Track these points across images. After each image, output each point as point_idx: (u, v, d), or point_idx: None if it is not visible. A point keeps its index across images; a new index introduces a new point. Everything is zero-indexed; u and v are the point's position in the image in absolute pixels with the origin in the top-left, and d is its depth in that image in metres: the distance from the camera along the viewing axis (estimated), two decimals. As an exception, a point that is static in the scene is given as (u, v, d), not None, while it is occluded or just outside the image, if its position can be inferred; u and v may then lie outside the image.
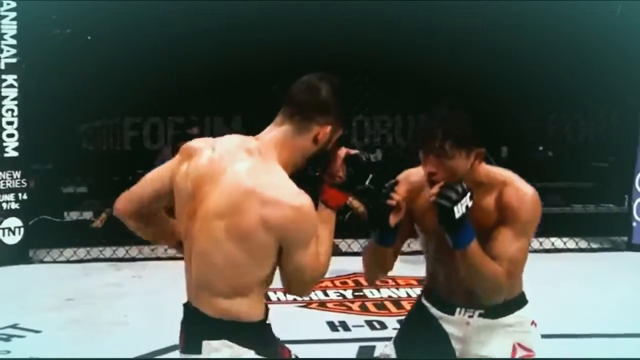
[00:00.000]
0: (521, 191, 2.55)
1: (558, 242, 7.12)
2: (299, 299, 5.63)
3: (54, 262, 6.56)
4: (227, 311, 2.23)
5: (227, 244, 2.17)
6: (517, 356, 2.59)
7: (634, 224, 7.02)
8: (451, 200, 2.32)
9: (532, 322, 2.66)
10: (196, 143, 2.34)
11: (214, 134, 8.13)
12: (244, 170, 2.19)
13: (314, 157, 2.28)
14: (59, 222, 7.03)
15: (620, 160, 7.48)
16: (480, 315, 2.62)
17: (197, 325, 2.27)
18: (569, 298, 5.58)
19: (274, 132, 2.25)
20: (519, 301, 2.66)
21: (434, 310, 2.70)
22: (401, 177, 2.64)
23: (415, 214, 2.64)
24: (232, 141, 2.29)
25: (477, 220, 2.46)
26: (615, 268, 6.60)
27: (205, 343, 2.24)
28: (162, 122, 8.79)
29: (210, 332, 2.25)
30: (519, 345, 2.63)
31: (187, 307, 2.30)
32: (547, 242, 7.10)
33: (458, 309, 2.64)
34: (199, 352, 2.25)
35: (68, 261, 6.55)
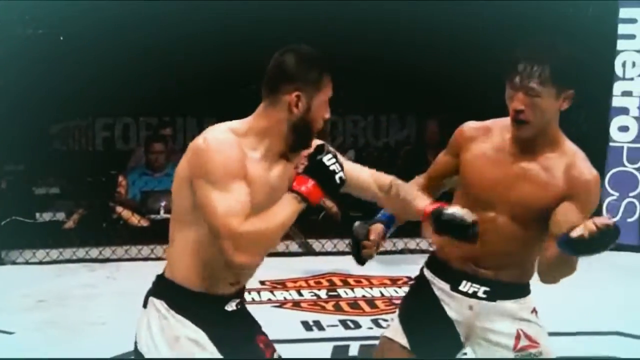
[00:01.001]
0: (593, 171, 2.52)
1: (529, 241, 7.16)
2: (273, 298, 5.64)
3: (27, 263, 6.50)
4: (170, 270, 2.36)
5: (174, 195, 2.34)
6: (519, 345, 2.60)
7: (604, 223, 7.08)
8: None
9: (534, 310, 2.67)
10: None
11: (186, 135, 8.08)
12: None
13: (301, 126, 2.32)
14: (31, 223, 6.97)
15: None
16: (484, 293, 2.61)
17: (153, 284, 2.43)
18: (538, 294, 5.62)
19: (259, 108, 2.35)
20: (526, 288, 2.67)
21: (438, 286, 2.69)
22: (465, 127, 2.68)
23: (467, 165, 2.63)
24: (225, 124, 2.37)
25: (545, 185, 2.44)
26: (582, 266, 6.61)
27: (150, 299, 2.35)
28: (134, 122, 8.75)
29: (155, 289, 2.38)
30: (523, 332, 2.63)
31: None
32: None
33: (464, 282, 2.63)
34: (144, 305, 2.41)
35: (41, 262, 6.50)
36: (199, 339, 2.32)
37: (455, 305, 2.67)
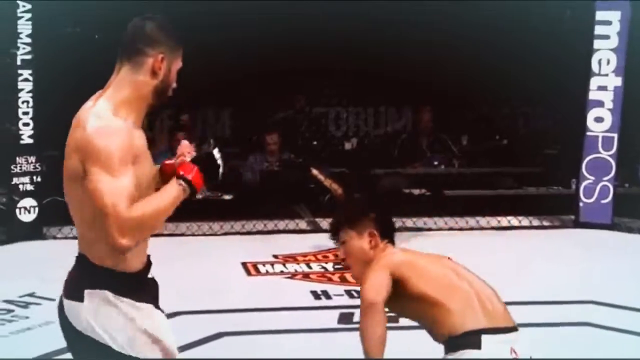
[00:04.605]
0: None
1: (513, 221, 7.19)
2: (285, 271, 5.68)
3: (65, 238, 6.53)
4: (97, 256, 2.16)
5: (69, 187, 2.17)
6: None
7: (581, 204, 7.09)
8: None
9: None
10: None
11: (206, 124, 8.02)
12: (75, 122, 2.15)
13: (160, 90, 2.21)
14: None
15: (568, 148, 7.56)
16: None
17: (81, 272, 2.19)
18: (524, 267, 5.67)
19: (118, 76, 2.19)
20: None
21: None
22: None
23: None
24: (86, 104, 2.20)
25: None
26: (563, 242, 6.69)
27: (87, 292, 2.15)
28: (157, 113, 8.73)
29: (91, 279, 2.16)
30: None
31: (77, 255, 2.22)
32: (504, 220, 7.18)
33: None
34: (80, 299, 2.16)
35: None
36: (152, 313, 2.23)
37: None
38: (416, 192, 7.68)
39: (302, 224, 7.09)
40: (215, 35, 7.62)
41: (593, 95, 6.98)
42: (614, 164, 6.99)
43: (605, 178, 7.01)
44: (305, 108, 9.00)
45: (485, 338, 2.48)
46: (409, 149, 8.31)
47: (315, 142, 8.81)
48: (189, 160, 2.19)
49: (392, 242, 2.81)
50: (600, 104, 6.98)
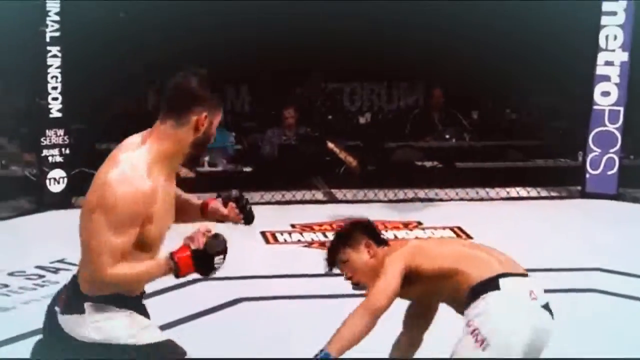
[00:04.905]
0: None
1: (522, 192, 7.21)
2: (302, 239, 5.71)
3: (93, 208, 6.60)
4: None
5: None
6: None
7: (587, 175, 7.12)
8: None
9: None
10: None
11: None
12: (107, 163, 2.18)
13: (201, 144, 2.24)
14: (95, 174, 7.04)
15: (576, 122, 7.53)
16: None
17: (80, 293, 2.22)
18: (532, 236, 5.68)
19: (163, 127, 2.21)
20: None
21: None
22: None
23: None
24: (136, 136, 2.26)
25: None
26: (570, 212, 6.72)
27: (87, 304, 2.20)
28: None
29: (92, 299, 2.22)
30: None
31: (74, 277, 2.27)
32: (513, 191, 7.21)
33: None
34: (81, 312, 2.20)
35: (104, 207, 6.59)
36: (151, 324, 2.33)
37: None
38: (428, 164, 7.69)
39: (319, 195, 7.13)
40: (236, 12, 7.63)
41: (600, 70, 6.97)
42: (619, 136, 6.99)
43: (611, 150, 7.01)
44: (321, 84, 9.00)
45: (503, 281, 2.53)
46: (421, 123, 8.30)
47: (330, 117, 8.82)
48: (192, 248, 2.21)
49: (386, 245, 2.84)
50: (607, 78, 6.96)
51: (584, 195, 7.13)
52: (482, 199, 7.06)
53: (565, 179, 7.43)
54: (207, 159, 7.14)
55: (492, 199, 7.08)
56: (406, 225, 6.08)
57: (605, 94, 6.97)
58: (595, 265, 5.02)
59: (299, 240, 5.71)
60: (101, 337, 2.20)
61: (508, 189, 7.19)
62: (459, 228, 5.91)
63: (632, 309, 4.35)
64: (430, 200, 7.00)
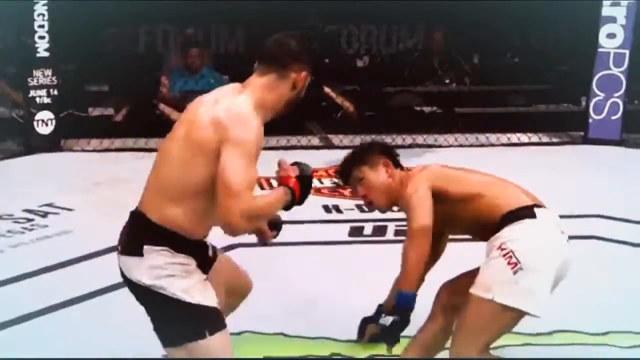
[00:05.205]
0: None
1: (523, 137, 7.12)
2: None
3: (82, 150, 6.52)
4: (170, 220, 2.24)
5: (177, 148, 2.25)
6: None
7: (590, 120, 7.01)
8: None
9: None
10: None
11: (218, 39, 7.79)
12: (212, 98, 2.29)
13: (293, 102, 2.36)
14: (85, 116, 6.93)
15: (579, 65, 7.39)
16: None
17: (141, 230, 2.27)
18: (532, 182, 5.58)
19: (261, 80, 2.31)
20: None
21: None
22: None
23: None
24: (227, 87, 2.38)
25: None
26: (572, 158, 6.63)
27: (146, 248, 2.23)
28: (173, 29, 8.55)
29: (152, 237, 2.25)
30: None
31: (134, 212, 2.33)
32: (514, 137, 7.11)
33: None
34: (139, 254, 2.24)
35: (94, 150, 6.51)
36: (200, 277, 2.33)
37: None
38: (427, 109, 7.57)
39: (315, 140, 7.03)
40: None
41: (606, 11, 6.80)
42: (624, 80, 6.87)
43: (616, 94, 6.89)
44: (318, 25, 8.80)
45: (538, 210, 2.60)
46: (420, 67, 8.15)
47: (327, 60, 8.64)
48: (295, 176, 2.38)
49: (403, 169, 2.86)
50: (612, 19, 6.80)
51: (587, 141, 7.04)
52: (482, 145, 6.97)
53: (567, 124, 7.33)
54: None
55: (492, 145, 6.99)
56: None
57: (611, 35, 6.82)
58: (595, 211, 4.98)
59: (294, 186, 5.62)
60: (154, 284, 2.22)
61: (509, 135, 7.09)
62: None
63: (633, 255, 4.32)
64: (429, 146, 6.89)
